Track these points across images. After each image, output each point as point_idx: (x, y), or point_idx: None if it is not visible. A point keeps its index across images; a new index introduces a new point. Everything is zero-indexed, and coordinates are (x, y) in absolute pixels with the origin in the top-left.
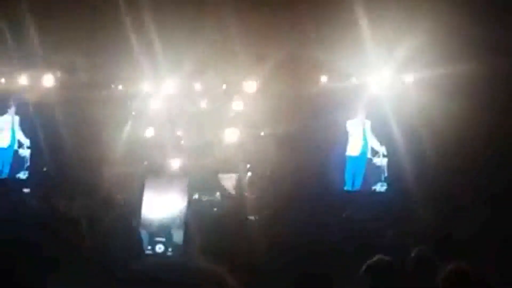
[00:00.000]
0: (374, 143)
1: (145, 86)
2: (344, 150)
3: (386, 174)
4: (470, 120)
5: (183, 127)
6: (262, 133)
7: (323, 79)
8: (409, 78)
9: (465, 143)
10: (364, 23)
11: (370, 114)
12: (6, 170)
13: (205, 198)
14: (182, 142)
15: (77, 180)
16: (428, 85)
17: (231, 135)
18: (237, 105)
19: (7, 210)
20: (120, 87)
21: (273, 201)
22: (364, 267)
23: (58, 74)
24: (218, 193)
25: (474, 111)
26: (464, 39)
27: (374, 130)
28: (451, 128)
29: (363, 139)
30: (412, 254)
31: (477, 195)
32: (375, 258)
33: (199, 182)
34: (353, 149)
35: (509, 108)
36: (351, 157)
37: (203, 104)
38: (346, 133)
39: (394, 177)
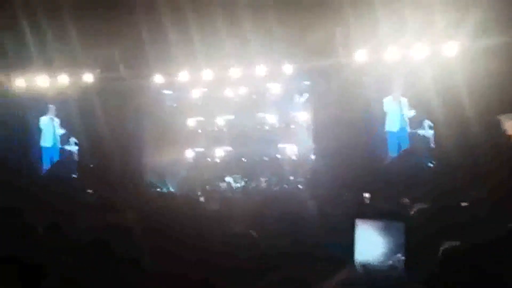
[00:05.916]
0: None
1: (183, 76)
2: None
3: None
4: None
5: (224, 114)
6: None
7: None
8: (450, 50)
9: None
10: None
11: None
12: None
13: (251, 185)
14: (225, 130)
15: (121, 173)
16: (471, 56)
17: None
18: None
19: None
20: (158, 79)
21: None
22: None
23: (98, 71)
24: (263, 179)
25: None
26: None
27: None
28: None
29: (400, 115)
30: None
31: None
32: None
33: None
34: (391, 125)
35: None
36: (391, 132)
37: (243, 90)
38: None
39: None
